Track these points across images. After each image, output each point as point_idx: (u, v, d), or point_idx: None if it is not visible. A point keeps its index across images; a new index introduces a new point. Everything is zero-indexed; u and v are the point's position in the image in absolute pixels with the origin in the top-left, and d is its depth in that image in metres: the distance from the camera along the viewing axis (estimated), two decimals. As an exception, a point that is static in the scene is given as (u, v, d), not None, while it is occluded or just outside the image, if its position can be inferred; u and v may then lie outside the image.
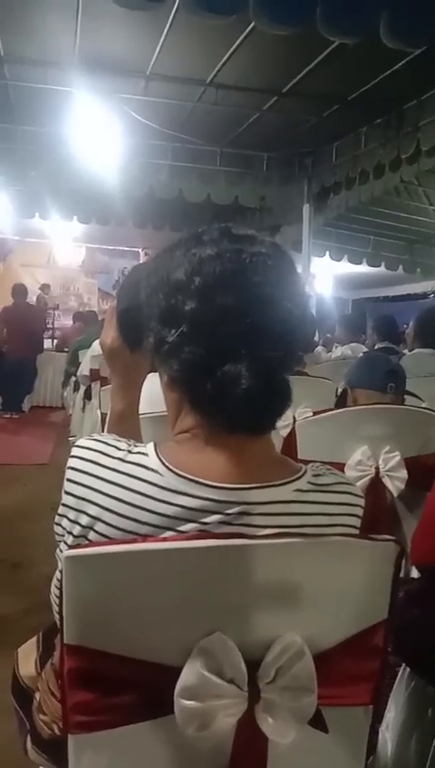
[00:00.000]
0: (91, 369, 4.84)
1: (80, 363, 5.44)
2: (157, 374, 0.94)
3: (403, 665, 1.36)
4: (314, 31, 2.88)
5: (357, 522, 0.90)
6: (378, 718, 0.91)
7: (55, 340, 9.60)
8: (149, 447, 0.85)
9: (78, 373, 5.46)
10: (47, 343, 9.20)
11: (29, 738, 1.04)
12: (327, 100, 4.85)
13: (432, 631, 1.26)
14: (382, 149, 5.02)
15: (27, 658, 1.16)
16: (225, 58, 4.19)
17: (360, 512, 0.91)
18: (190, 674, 0.74)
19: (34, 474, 4.90)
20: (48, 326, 9.67)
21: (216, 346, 0.80)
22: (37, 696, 1.05)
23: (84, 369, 5.05)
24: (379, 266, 8.49)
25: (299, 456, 1.93)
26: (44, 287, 11.25)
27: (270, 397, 0.81)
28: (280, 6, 2.82)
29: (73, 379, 6.08)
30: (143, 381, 1.22)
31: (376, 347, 4.39)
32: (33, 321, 8.33)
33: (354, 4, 2.86)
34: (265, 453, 0.88)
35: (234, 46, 3.99)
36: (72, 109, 4.72)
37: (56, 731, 0.97)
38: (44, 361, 8.55)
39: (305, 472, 0.88)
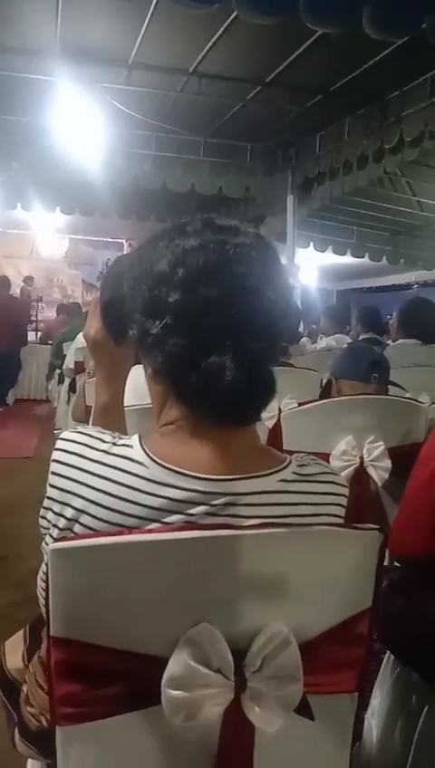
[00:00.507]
0: (75, 362, 4.81)
1: (64, 356, 5.40)
2: (141, 366, 0.94)
3: (388, 652, 1.38)
4: (297, 20, 2.87)
5: (342, 511, 0.91)
6: (363, 705, 0.92)
7: (39, 333, 9.53)
8: (134, 440, 0.85)
9: (63, 366, 5.43)
10: (31, 336, 9.13)
11: (17, 730, 1.04)
12: (311, 91, 4.85)
13: (415, 622, 1.28)
14: (366, 140, 5.03)
15: (14, 651, 1.15)
16: (208, 47, 4.16)
17: (344, 501, 0.91)
18: (177, 664, 0.74)
19: (19, 467, 4.87)
20: (32, 318, 9.60)
21: (200, 338, 0.80)
22: (25, 688, 1.05)
23: (69, 362, 5.02)
24: (363, 257, 8.53)
25: (284, 447, 1.94)
26: (28, 279, 11.17)
27: (254, 388, 0.81)
28: (263, -4, 2.81)
29: (58, 371, 6.05)
30: (128, 373, 1.21)
31: (360, 338, 4.42)
32: (17, 314, 8.28)
33: (337, -7, 2.85)
34: (250, 444, 0.88)
35: (217, 35, 3.97)
36: (54, 98, 4.67)
37: (44, 723, 0.97)
38: (28, 354, 8.51)
39: (290, 462, 0.88)
